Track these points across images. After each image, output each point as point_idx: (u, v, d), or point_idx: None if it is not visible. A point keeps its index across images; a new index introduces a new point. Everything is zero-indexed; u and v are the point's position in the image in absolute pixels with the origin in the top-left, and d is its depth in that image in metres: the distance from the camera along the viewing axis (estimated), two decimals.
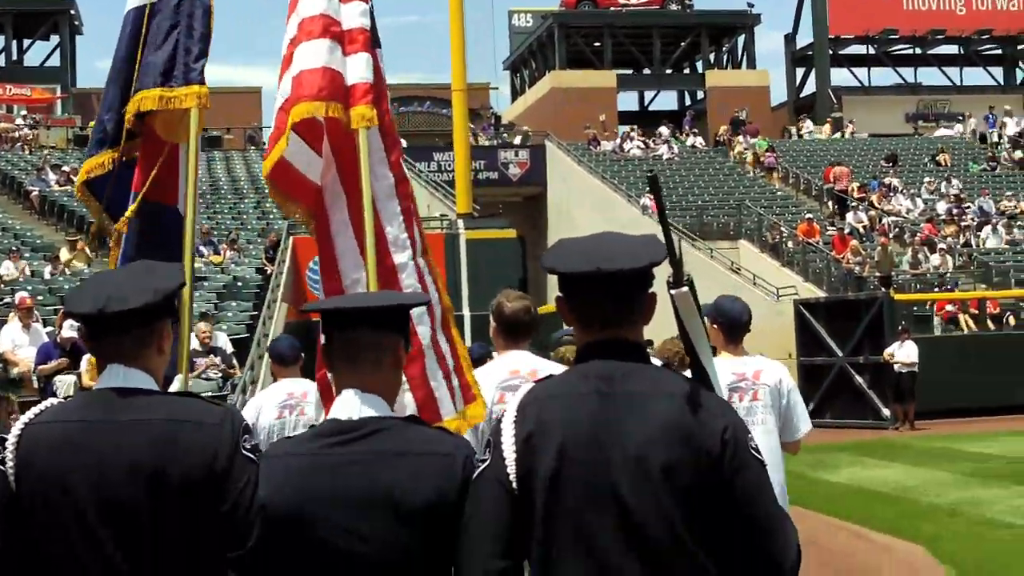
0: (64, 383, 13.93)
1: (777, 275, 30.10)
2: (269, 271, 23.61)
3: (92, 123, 5.08)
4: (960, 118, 45.08)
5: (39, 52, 48.72)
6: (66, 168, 29.57)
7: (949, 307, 27.46)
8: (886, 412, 22.12)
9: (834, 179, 35.86)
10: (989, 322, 27.27)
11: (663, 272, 2.71)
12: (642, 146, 40.47)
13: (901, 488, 13.74)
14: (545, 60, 49.91)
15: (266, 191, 4.58)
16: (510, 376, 4.96)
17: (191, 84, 4.50)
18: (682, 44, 50.09)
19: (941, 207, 34.94)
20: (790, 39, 51.68)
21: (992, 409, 21.63)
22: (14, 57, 47.93)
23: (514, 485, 2.65)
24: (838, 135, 43.94)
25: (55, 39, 47.96)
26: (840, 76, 50.33)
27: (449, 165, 33.99)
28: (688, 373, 2.86)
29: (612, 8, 48.59)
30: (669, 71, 51.02)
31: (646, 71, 50.78)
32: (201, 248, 23.33)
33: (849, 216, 33.42)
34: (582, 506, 2.59)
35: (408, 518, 2.70)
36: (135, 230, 4.62)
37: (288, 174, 4.41)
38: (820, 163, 38.42)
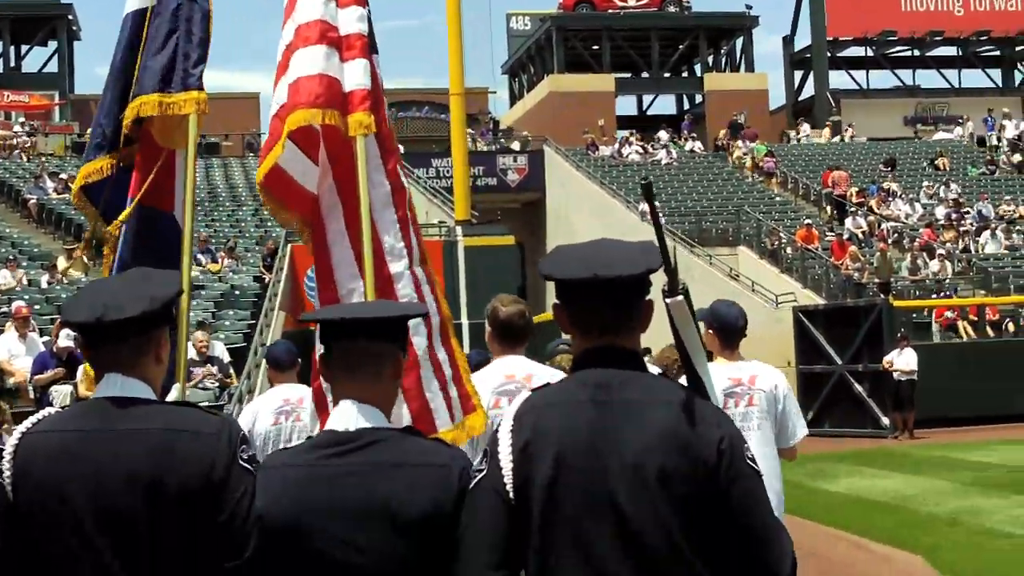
0: (60, 393, 13.88)
1: (776, 281, 30.07)
2: (267, 279, 23.57)
3: (90, 131, 5.05)
4: (959, 121, 45.07)
5: (37, 58, 48.76)
6: (64, 176, 29.52)
7: (948, 314, 27.43)
8: (885, 421, 22.03)
9: (832, 184, 35.83)
10: (988, 329, 27.21)
11: (658, 280, 2.72)
12: (640, 151, 40.45)
13: (900, 497, 13.71)
14: (543, 64, 49.88)
15: None
16: (506, 380, 4.98)
17: (190, 90, 4.50)
18: (680, 47, 50.08)
19: (940, 212, 34.91)
20: (788, 41, 51.70)
21: (992, 417, 21.54)
22: (12, 63, 47.86)
23: (511, 494, 2.65)
24: (837, 139, 43.93)
25: (53, 45, 47.86)
26: (838, 79, 50.41)
27: (447, 171, 33.93)
28: (683, 382, 2.86)
29: (610, 10, 48.58)
30: (667, 75, 51.02)
31: (644, 74, 50.77)
32: (199, 256, 23.28)
33: (848, 222, 33.40)
34: (579, 514, 2.60)
35: (404, 529, 2.71)
36: (131, 234, 4.60)
37: (282, 181, 4.39)
38: (819, 167, 38.38)
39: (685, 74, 52.29)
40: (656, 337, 3.47)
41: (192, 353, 14.40)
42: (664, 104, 54.12)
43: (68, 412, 2.91)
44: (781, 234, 32.38)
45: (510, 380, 4.96)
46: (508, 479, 2.66)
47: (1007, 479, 14.59)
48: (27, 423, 2.83)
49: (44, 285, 22.13)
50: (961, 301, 28.06)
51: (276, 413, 6.75)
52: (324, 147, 4.43)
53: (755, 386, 5.80)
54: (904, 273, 29.96)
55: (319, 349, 4.26)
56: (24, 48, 48.45)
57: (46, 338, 16.17)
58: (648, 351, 13.09)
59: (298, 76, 4.36)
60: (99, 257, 4.87)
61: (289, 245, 24.32)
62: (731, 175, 39.47)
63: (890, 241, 31.29)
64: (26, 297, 19.84)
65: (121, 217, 4.58)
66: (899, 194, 36.09)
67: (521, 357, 5.14)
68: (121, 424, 2.75)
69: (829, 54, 49.25)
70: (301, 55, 4.40)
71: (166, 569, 2.70)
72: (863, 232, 32.74)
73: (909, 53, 51.29)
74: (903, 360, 21.48)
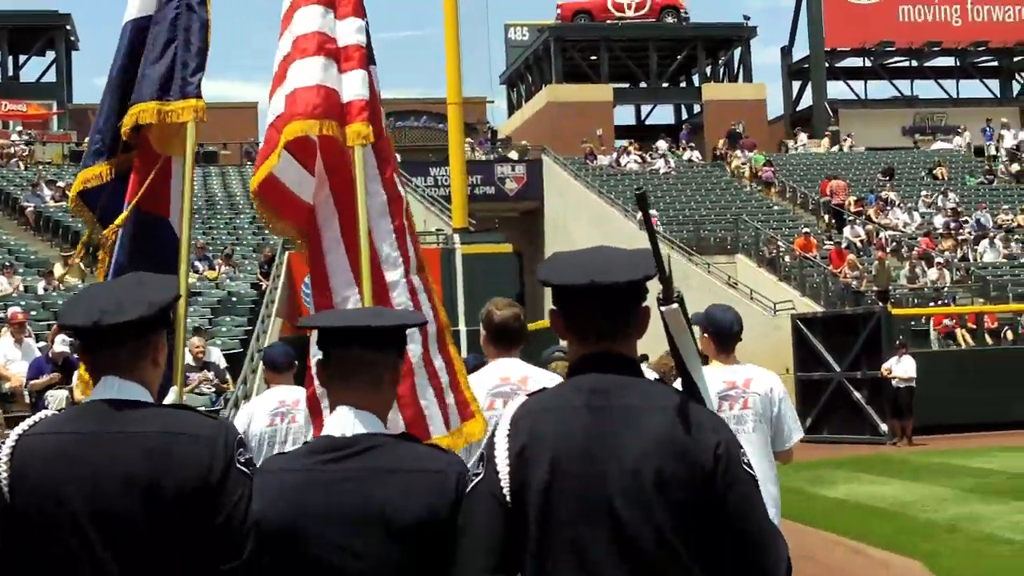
0: (56, 398, 13.90)
1: (774, 290, 30.09)
2: (264, 286, 23.56)
3: (87, 139, 5.05)
4: (958, 131, 45.12)
5: (35, 68, 48.83)
6: (61, 184, 29.55)
7: (947, 321, 27.43)
8: (884, 427, 22.03)
9: (831, 193, 35.86)
10: (987, 336, 27.19)
11: (654, 288, 2.72)
12: (639, 160, 40.48)
13: (899, 504, 13.67)
14: (541, 74, 49.93)
15: None
16: (501, 383, 5.01)
17: (188, 98, 4.51)
18: (678, 57, 50.14)
19: (938, 221, 34.95)
20: (786, 52, 51.75)
21: (990, 424, 21.52)
22: (10, 73, 47.90)
23: (508, 498, 2.65)
24: (835, 148, 43.96)
25: (51, 55, 47.92)
26: (836, 89, 50.42)
27: (445, 180, 33.94)
28: (678, 386, 2.86)
29: (608, 21, 48.63)
30: (665, 85, 51.07)
31: (642, 84, 50.81)
32: (196, 263, 23.28)
33: (846, 230, 33.43)
34: (575, 519, 2.60)
35: (399, 535, 2.71)
36: (128, 238, 4.60)
37: (276, 191, 4.39)
38: (817, 177, 38.45)
39: (683, 84, 52.35)
40: (653, 343, 3.46)
41: (189, 359, 14.38)
42: (662, 114, 54.25)
43: (65, 414, 2.90)
44: (779, 242, 32.41)
45: (505, 382, 5.00)
46: (505, 483, 2.66)
47: (1006, 485, 14.56)
48: (23, 425, 2.83)
49: (40, 291, 22.11)
50: (959, 309, 28.06)
51: (272, 415, 6.79)
52: (321, 158, 4.44)
53: (750, 389, 5.81)
54: (902, 281, 29.97)
55: (314, 355, 4.26)
56: (22, 58, 48.52)
57: (42, 344, 16.20)
58: (645, 358, 13.10)
59: (295, 87, 4.36)
60: (95, 264, 4.86)
61: (286, 252, 24.28)
62: (729, 184, 39.51)
63: (888, 250, 31.32)
64: (22, 303, 19.82)
65: (118, 221, 4.58)
66: (897, 203, 36.12)
67: (516, 360, 5.17)
68: (118, 426, 2.75)
69: (827, 64, 49.30)
70: (298, 67, 4.41)
71: (163, 571, 2.70)
72: (861, 241, 32.76)
73: (907, 64, 51.36)
74: (902, 367, 21.48)
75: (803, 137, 45.23)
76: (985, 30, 49.11)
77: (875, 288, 28.62)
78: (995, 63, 51.38)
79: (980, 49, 49.89)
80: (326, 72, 4.39)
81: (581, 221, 35.41)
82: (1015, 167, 40.41)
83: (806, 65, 50.04)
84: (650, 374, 3.65)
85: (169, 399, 3.83)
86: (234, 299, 22.89)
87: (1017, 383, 22.43)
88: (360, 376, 2.86)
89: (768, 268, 32.13)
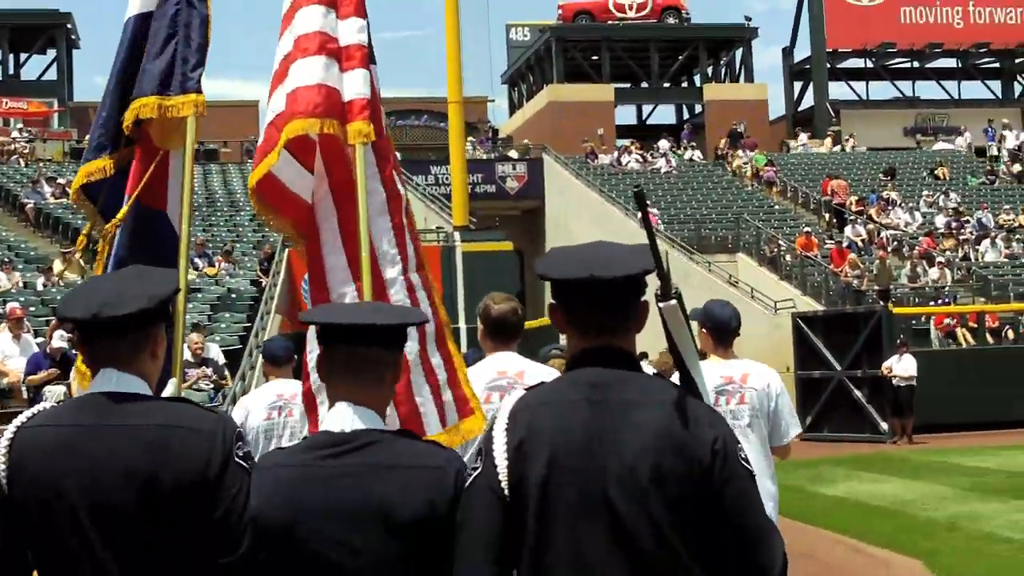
0: (53, 393, 13.77)
1: (775, 289, 30.08)
2: (264, 283, 23.56)
3: (88, 136, 5.06)
4: (959, 131, 45.08)
5: (36, 66, 48.80)
6: (61, 181, 29.59)
7: (947, 321, 27.41)
8: (884, 426, 22.03)
9: (832, 192, 35.84)
10: (988, 336, 27.18)
11: (653, 285, 2.73)
12: (640, 159, 40.45)
13: (899, 502, 13.65)
14: (543, 74, 49.89)
15: None
16: (498, 376, 5.04)
17: (188, 93, 4.50)
18: (680, 57, 50.10)
19: (940, 221, 34.93)
20: (788, 53, 51.69)
21: (991, 424, 21.50)
22: (11, 71, 47.90)
23: (506, 492, 2.65)
24: (837, 148, 43.93)
25: (52, 53, 47.92)
26: (838, 90, 50.38)
27: (446, 178, 33.95)
28: (675, 379, 2.88)
29: (610, 22, 48.60)
30: (667, 85, 51.04)
31: (644, 85, 50.78)
32: (196, 260, 23.29)
33: (847, 230, 33.41)
34: (573, 513, 2.60)
35: (398, 531, 2.71)
36: (128, 232, 4.60)
37: (275, 189, 4.39)
38: (818, 176, 38.43)
39: (684, 84, 52.31)
40: (652, 340, 3.45)
41: (187, 355, 14.37)
42: (664, 114, 54.17)
43: (63, 407, 2.91)
44: (780, 242, 32.39)
45: (502, 376, 5.02)
46: (503, 477, 2.66)
47: (1006, 484, 14.54)
48: (22, 417, 2.83)
49: (40, 287, 22.12)
50: (960, 308, 28.05)
51: (269, 408, 6.80)
52: (320, 156, 4.45)
53: (747, 384, 5.79)
54: (903, 281, 29.95)
55: (310, 351, 4.24)
56: (23, 56, 48.50)
57: (40, 339, 16.17)
58: (645, 355, 13.09)
59: (296, 86, 4.37)
60: (95, 259, 4.87)
61: (286, 250, 24.28)
62: (730, 184, 39.49)
63: (889, 249, 31.29)
64: (21, 299, 19.85)
65: (119, 215, 4.58)
66: (899, 203, 36.09)
67: (513, 354, 5.19)
68: (117, 419, 2.75)
69: (829, 65, 49.26)
70: (300, 66, 4.42)
71: (161, 565, 2.70)
72: (862, 240, 32.75)
73: (908, 65, 51.32)
74: (902, 366, 21.47)
75: (802, 137, 45.20)
76: (987, 32, 49.06)
77: (876, 287, 28.61)
78: (996, 64, 51.32)
79: (982, 51, 49.84)
80: (327, 71, 4.40)
81: (582, 220, 35.38)
82: (1016, 167, 40.41)
83: (807, 66, 49.99)
84: (649, 371, 3.64)
85: (168, 391, 3.82)
86: (233, 295, 22.91)
87: (1018, 382, 22.42)
88: (362, 373, 2.85)
89: (769, 267, 32.12)
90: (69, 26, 47.82)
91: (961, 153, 43.38)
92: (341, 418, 2.83)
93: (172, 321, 3.82)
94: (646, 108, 54.00)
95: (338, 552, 2.69)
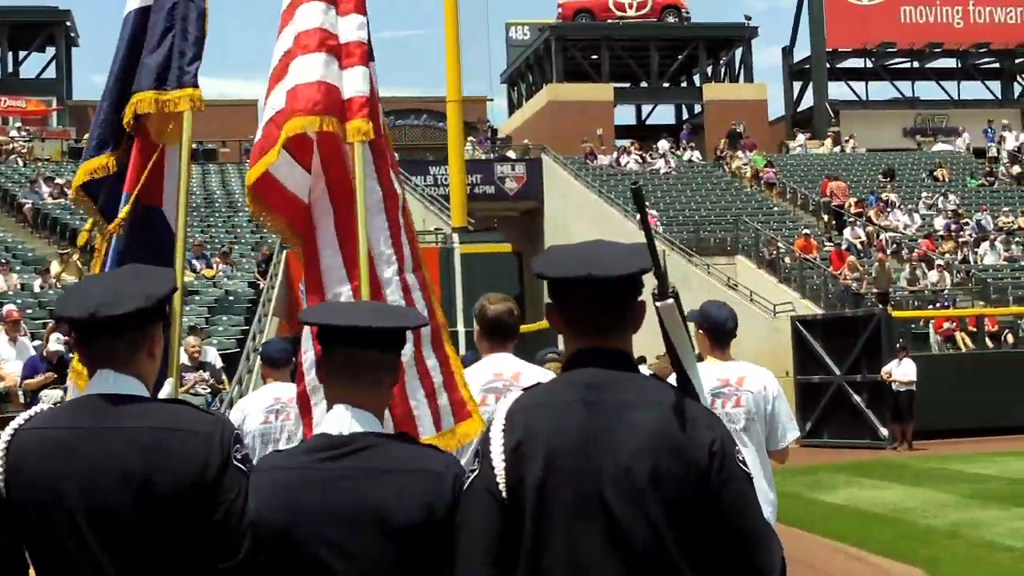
0: (50, 397, 13.76)
1: (774, 291, 30.04)
2: (262, 285, 23.49)
3: (87, 135, 5.03)
4: (959, 132, 45.06)
5: (35, 64, 48.74)
6: (60, 181, 29.52)
7: (947, 324, 27.35)
8: (884, 432, 21.94)
9: (831, 194, 35.80)
10: (987, 340, 27.14)
11: (649, 285, 2.73)
12: (639, 160, 40.42)
13: (899, 509, 13.62)
14: (542, 73, 49.88)
15: None
16: (493, 378, 5.02)
17: (185, 87, 4.48)
18: (679, 57, 50.08)
19: (939, 223, 34.90)
20: (787, 53, 51.70)
21: (990, 429, 21.44)
22: (9, 69, 47.85)
23: (504, 494, 2.65)
24: (836, 149, 43.91)
25: (51, 51, 47.87)
26: (838, 90, 50.37)
27: (445, 179, 33.89)
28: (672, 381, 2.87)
29: (609, 21, 48.58)
30: (666, 84, 51.03)
31: (643, 84, 50.75)
32: (193, 262, 23.22)
33: (846, 232, 33.37)
34: (570, 515, 2.60)
35: (394, 535, 2.70)
36: (126, 230, 4.58)
37: (273, 188, 4.36)
38: (817, 178, 38.41)
39: (684, 84, 52.30)
40: (650, 343, 3.39)
41: (184, 359, 14.29)
42: (663, 114, 54.17)
43: (60, 408, 2.90)
44: (779, 244, 32.35)
45: (498, 378, 5.01)
46: (501, 479, 2.65)
47: (1006, 491, 14.50)
48: (19, 419, 2.81)
49: (37, 289, 22.05)
50: (960, 312, 28.00)
51: (266, 411, 6.76)
52: (318, 154, 4.42)
53: (743, 387, 5.73)
54: (903, 283, 29.91)
55: (304, 351, 4.19)
56: (22, 54, 48.46)
57: (37, 342, 16.09)
58: (643, 359, 13.02)
59: (296, 83, 4.34)
60: (92, 260, 4.83)
61: (284, 251, 24.22)
62: (729, 185, 39.48)
63: (888, 251, 31.25)
64: (18, 301, 19.77)
65: (122, 214, 4.55)
66: (898, 205, 36.06)
67: (509, 355, 5.17)
68: (114, 422, 2.74)
69: (828, 65, 49.26)
70: (300, 62, 4.40)
71: (159, 568, 2.69)
72: (861, 242, 32.71)
73: (908, 65, 51.33)
74: (902, 371, 21.40)
75: (800, 138, 45.18)
76: (986, 32, 49.07)
77: (875, 290, 28.54)
78: (996, 65, 51.33)
79: (981, 51, 49.84)
80: (327, 68, 4.38)
81: (581, 221, 35.34)
82: (1016, 169, 40.37)
83: (807, 66, 49.99)
84: (645, 372, 3.58)
85: (165, 392, 3.78)
86: (231, 298, 22.83)
87: (1017, 387, 22.36)
88: (360, 375, 2.84)
89: (768, 270, 32.09)
90: (68, 24, 47.73)
91: (960, 154, 43.37)
92: (339, 421, 2.82)
93: (169, 320, 3.80)
94: (645, 108, 54.00)
95: (334, 555, 2.69)
